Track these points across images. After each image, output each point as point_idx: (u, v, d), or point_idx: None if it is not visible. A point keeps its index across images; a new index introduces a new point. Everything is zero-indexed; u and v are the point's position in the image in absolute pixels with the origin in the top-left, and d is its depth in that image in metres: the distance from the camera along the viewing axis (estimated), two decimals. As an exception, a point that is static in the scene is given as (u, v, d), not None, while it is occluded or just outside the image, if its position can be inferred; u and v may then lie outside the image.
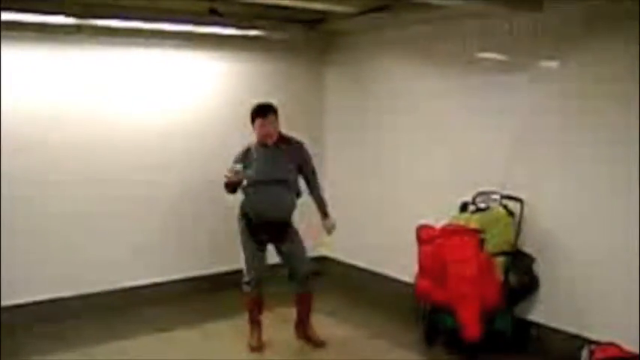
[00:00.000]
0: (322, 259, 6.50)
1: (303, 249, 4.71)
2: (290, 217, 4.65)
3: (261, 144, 4.56)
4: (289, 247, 4.65)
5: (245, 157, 4.57)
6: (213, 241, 5.96)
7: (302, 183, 4.73)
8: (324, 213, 4.77)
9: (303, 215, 4.85)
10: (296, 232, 4.70)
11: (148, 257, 5.69)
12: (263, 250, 4.69)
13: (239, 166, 4.44)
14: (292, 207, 4.64)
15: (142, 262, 5.66)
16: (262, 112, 4.50)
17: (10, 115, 4.91)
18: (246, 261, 4.68)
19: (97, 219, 5.40)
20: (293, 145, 4.63)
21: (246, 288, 4.69)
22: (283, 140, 4.60)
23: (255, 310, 4.77)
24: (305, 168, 4.67)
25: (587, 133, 4.31)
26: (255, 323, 4.79)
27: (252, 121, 4.53)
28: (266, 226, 4.58)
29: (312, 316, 4.85)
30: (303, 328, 4.84)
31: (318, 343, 4.77)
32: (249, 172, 4.51)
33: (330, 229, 4.81)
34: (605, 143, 4.19)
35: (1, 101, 4.86)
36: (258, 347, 4.71)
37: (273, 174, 4.52)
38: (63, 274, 5.25)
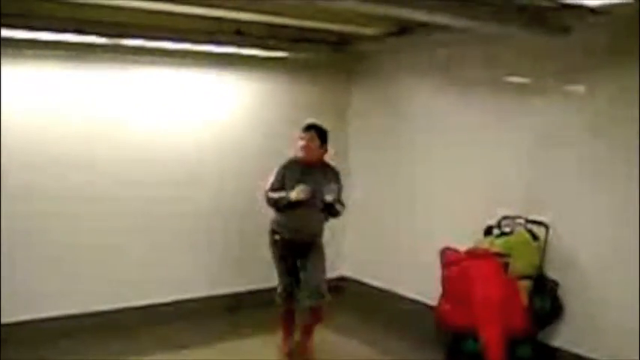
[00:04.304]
0: (342, 279, 6.49)
1: (320, 269, 4.76)
2: (316, 237, 4.77)
3: (298, 162, 4.71)
4: (307, 265, 4.73)
5: (285, 168, 4.74)
6: (237, 259, 5.99)
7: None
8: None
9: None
10: (319, 251, 4.77)
11: (169, 274, 5.68)
12: (292, 263, 4.77)
13: (305, 187, 4.54)
14: (320, 228, 4.77)
15: (163, 278, 5.65)
16: (305, 128, 4.74)
17: (35, 132, 5.00)
18: (277, 274, 4.84)
19: (116, 235, 5.42)
20: (330, 171, 4.80)
21: (277, 300, 4.86)
22: (322, 165, 4.78)
23: (286, 322, 4.93)
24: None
25: (614, 157, 4.28)
26: (287, 334, 4.94)
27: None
28: (292, 243, 4.70)
29: (313, 331, 4.91)
30: (300, 337, 4.91)
31: (302, 352, 4.86)
32: (289, 188, 4.63)
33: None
34: (632, 167, 4.15)
35: (0, 116, 4.86)
36: (288, 353, 4.89)
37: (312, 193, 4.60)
38: (77, 291, 5.24)
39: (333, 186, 4.68)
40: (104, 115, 5.31)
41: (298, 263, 4.77)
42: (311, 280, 4.71)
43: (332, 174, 4.79)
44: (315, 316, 4.84)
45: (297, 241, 4.70)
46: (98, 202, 5.30)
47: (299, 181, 4.59)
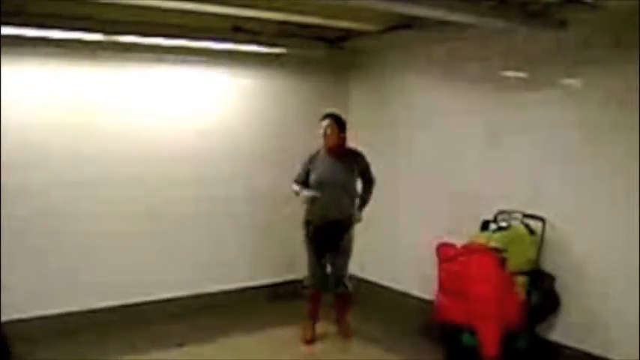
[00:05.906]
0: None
1: (347, 256, 5.11)
2: (347, 217, 5.02)
3: (323, 151, 5.02)
4: (336, 252, 5.06)
5: (310, 161, 5.07)
6: (245, 255, 6.05)
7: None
8: (359, 208, 5.15)
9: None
10: (346, 240, 5.06)
11: (179, 270, 5.74)
12: (323, 252, 5.06)
13: (311, 193, 4.92)
14: (349, 208, 5.02)
15: (172, 274, 5.70)
16: (323, 117, 5.05)
17: (34, 129, 5.01)
18: (308, 262, 5.12)
19: (131, 232, 5.47)
20: (355, 155, 5.11)
21: (306, 285, 5.17)
22: (347, 151, 5.09)
23: (312, 307, 5.21)
24: (364, 174, 5.12)
25: (611, 151, 4.29)
26: (311, 318, 5.22)
27: None
28: (324, 226, 4.96)
29: (348, 313, 5.35)
30: (338, 322, 5.33)
31: (345, 335, 5.27)
32: (312, 175, 4.99)
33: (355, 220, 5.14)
34: (630, 161, 4.16)
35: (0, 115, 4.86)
36: (310, 340, 5.16)
37: (333, 178, 4.94)
38: (76, 289, 5.27)
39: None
40: (107, 112, 5.33)
41: (326, 253, 5.07)
42: (334, 270, 5.08)
43: (355, 158, 5.07)
44: (341, 301, 5.25)
45: (327, 223, 4.94)
46: (102, 200, 5.33)
47: (323, 169, 4.95)
